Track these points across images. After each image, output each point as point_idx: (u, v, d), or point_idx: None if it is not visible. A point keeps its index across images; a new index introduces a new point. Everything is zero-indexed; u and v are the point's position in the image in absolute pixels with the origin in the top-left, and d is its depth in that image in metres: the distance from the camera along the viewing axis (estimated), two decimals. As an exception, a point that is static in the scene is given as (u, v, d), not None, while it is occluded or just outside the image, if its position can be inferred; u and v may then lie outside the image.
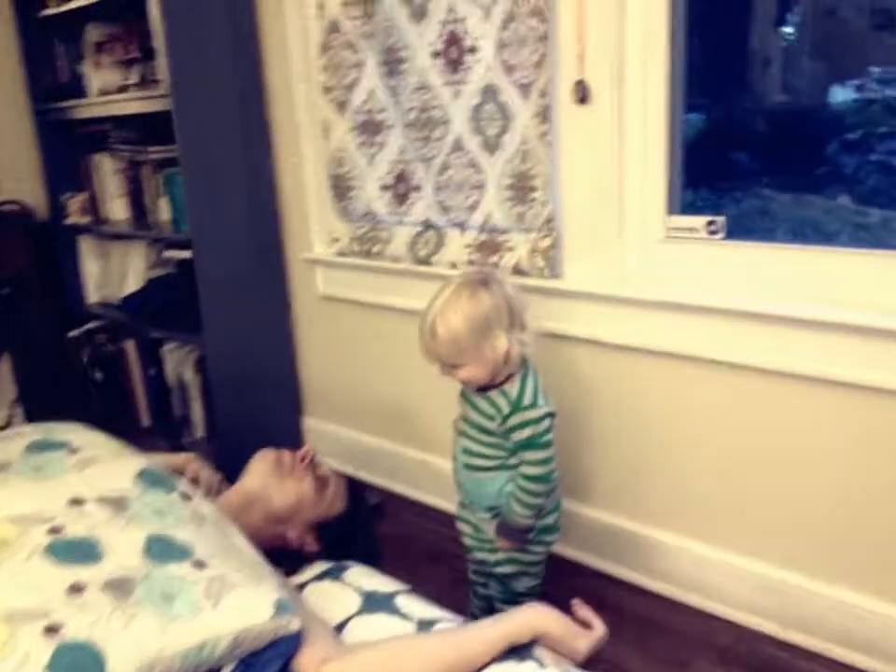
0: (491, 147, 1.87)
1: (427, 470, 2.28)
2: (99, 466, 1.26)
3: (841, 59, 1.73)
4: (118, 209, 2.72)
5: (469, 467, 1.57)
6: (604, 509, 1.91)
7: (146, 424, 2.75)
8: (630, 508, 1.86)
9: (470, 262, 1.95)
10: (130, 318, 2.64)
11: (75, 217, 2.73)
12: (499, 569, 1.59)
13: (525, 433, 1.48)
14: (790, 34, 1.82)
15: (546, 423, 1.49)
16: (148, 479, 1.26)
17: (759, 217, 1.77)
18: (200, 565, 1.10)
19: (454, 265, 2.00)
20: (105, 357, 2.79)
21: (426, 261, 2.06)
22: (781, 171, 1.78)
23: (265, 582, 1.13)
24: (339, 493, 1.54)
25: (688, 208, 1.74)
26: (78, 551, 1.07)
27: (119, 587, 1.02)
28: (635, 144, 1.69)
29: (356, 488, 1.64)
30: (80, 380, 2.88)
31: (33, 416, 2.89)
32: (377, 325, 2.30)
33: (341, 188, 2.24)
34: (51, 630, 0.95)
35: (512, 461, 1.51)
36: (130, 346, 2.70)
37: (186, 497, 1.26)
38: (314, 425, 2.62)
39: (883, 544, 1.50)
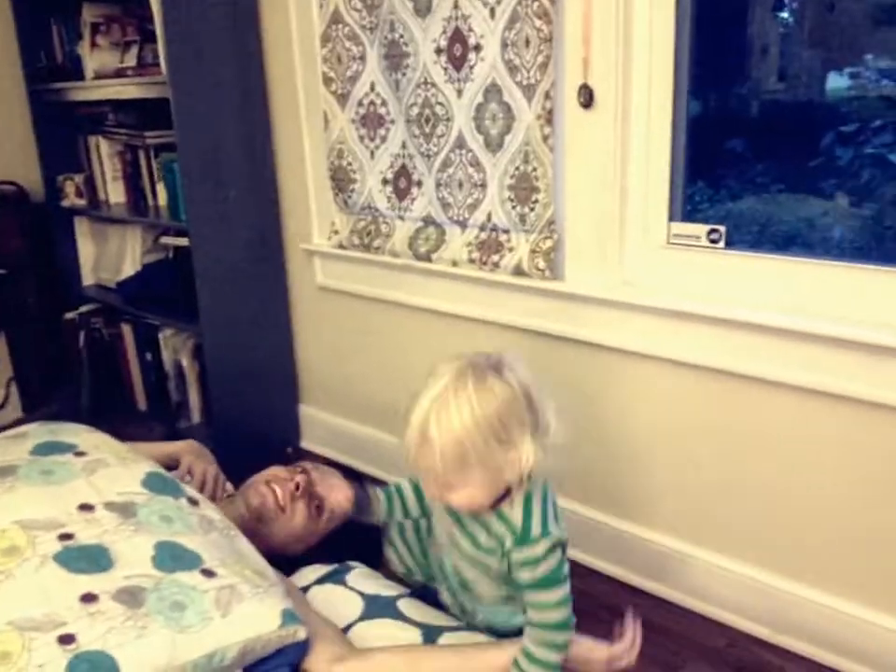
0: (493, 146, 1.85)
1: (423, 463, 2.29)
2: (106, 470, 1.27)
3: (839, 48, 1.71)
4: (114, 192, 2.70)
5: (468, 592, 1.31)
6: (601, 509, 1.93)
7: (142, 408, 2.75)
8: (628, 509, 1.88)
9: (471, 261, 1.95)
10: (126, 303, 2.63)
11: (70, 199, 2.71)
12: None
13: (538, 572, 1.15)
14: (786, 19, 1.79)
15: (559, 554, 1.17)
16: (155, 483, 1.28)
17: (754, 212, 1.76)
18: (209, 574, 1.12)
19: (454, 263, 2.00)
20: (101, 341, 2.79)
21: (426, 258, 2.06)
22: (776, 161, 1.76)
23: (272, 592, 1.15)
24: (338, 511, 1.43)
25: (689, 210, 1.74)
26: (89, 558, 1.08)
27: (131, 596, 1.04)
28: (638, 149, 1.68)
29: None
30: (76, 362, 2.88)
31: (27, 397, 2.89)
32: (375, 318, 2.30)
33: (341, 180, 2.22)
34: (66, 640, 0.97)
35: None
36: (126, 330, 2.69)
37: (193, 503, 1.27)
38: (310, 413, 2.63)
39: (877, 555, 1.53)
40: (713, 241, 1.68)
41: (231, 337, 2.41)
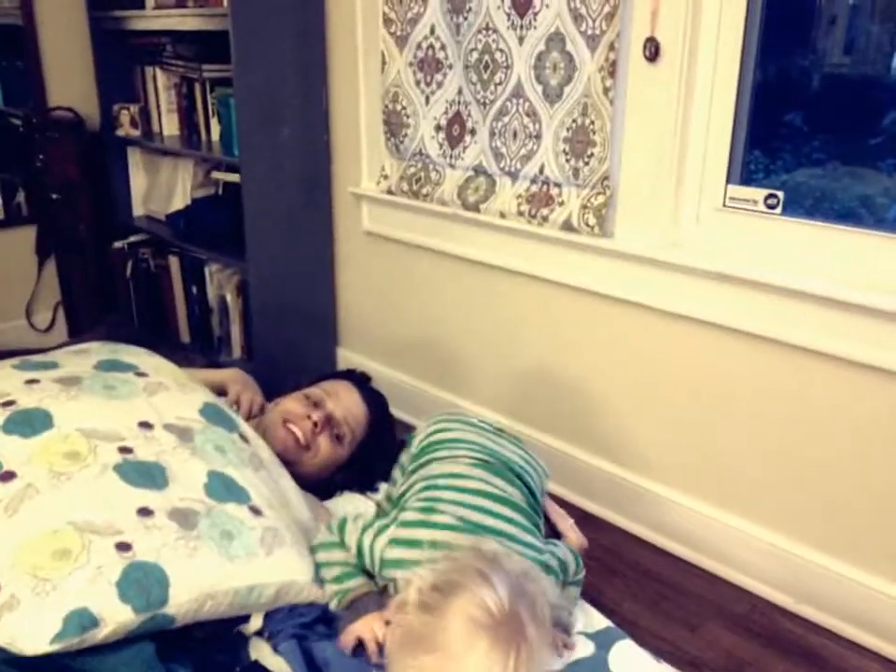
0: (552, 96, 1.83)
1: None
2: (166, 394, 1.30)
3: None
4: (168, 124, 2.71)
5: None
6: (632, 469, 1.94)
7: (184, 340, 2.80)
8: (661, 471, 1.89)
9: (520, 214, 1.94)
10: (174, 235, 2.67)
11: (125, 128, 2.73)
12: None
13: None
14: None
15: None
16: (212, 414, 1.30)
17: (810, 185, 1.72)
18: (256, 511, 1.15)
19: (502, 214, 1.98)
20: (148, 272, 2.83)
21: (474, 208, 2.05)
22: (835, 136, 1.71)
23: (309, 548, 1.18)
24: (357, 433, 1.55)
25: (744, 177, 1.70)
26: (147, 474, 1.11)
27: (184, 518, 1.07)
28: (701, 108, 1.65)
29: (379, 414, 1.65)
30: (122, 291, 2.94)
31: (74, 322, 2.96)
32: (418, 266, 2.31)
33: (394, 124, 2.21)
34: (123, 547, 1.00)
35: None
36: (173, 263, 2.73)
37: (244, 440, 1.29)
38: (348, 356, 2.65)
39: (905, 533, 1.52)
40: (770, 206, 1.64)
41: (276, 276, 2.44)
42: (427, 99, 2.11)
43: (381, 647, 1.05)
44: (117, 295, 2.96)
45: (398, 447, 1.50)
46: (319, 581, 1.16)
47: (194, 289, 2.68)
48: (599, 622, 1.23)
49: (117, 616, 0.95)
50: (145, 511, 1.05)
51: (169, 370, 1.41)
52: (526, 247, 1.97)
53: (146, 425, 1.20)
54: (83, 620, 0.93)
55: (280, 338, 2.49)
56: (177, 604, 1.00)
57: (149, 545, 1.02)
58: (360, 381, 1.69)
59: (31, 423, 1.14)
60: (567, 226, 1.85)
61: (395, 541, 1.13)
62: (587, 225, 1.81)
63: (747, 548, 1.74)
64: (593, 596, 1.32)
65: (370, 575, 1.16)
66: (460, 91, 2.03)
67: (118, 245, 2.88)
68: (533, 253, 1.96)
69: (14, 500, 1.03)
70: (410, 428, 2.42)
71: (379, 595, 1.14)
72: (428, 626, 0.91)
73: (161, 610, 0.98)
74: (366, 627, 1.08)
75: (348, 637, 1.09)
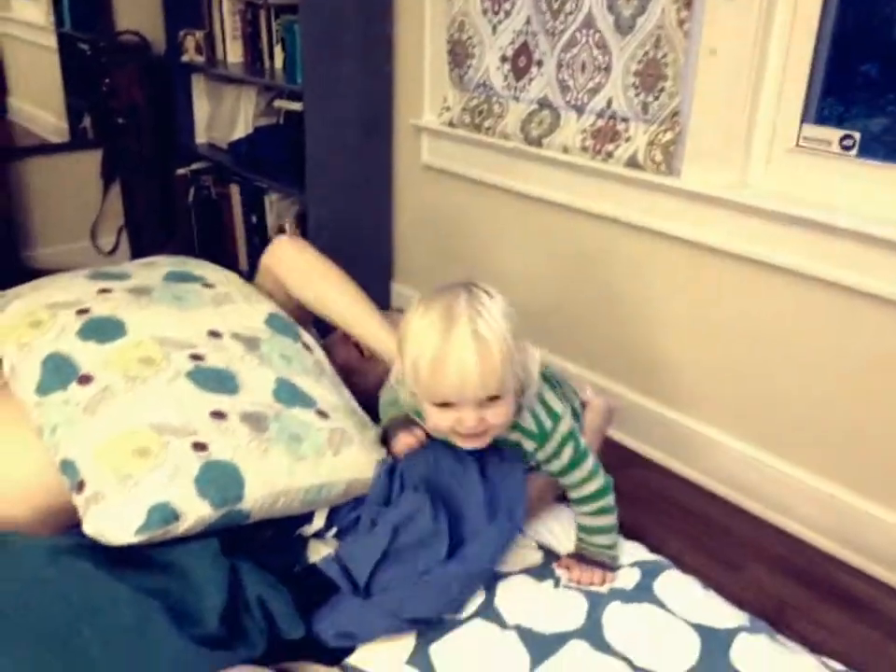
0: (623, 28, 1.78)
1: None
2: (233, 305, 1.33)
3: None
4: (233, 51, 2.71)
5: None
6: (682, 410, 1.93)
7: (243, 268, 2.85)
8: (713, 413, 1.88)
9: (583, 149, 1.91)
10: (236, 163, 2.69)
11: (190, 54, 2.74)
12: None
13: (564, 458, 1.16)
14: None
15: (573, 426, 1.18)
16: (277, 324, 1.34)
17: (884, 133, 1.66)
18: (322, 415, 1.19)
19: (565, 149, 1.96)
20: (209, 199, 2.87)
21: (537, 142, 2.02)
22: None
23: (373, 444, 1.21)
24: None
25: (820, 119, 1.65)
26: (218, 380, 1.15)
27: (256, 420, 1.11)
28: (779, 43, 1.59)
29: None
30: (183, 218, 2.99)
31: (136, 246, 3.03)
32: (477, 202, 2.29)
33: (459, 54, 2.18)
34: (199, 447, 1.05)
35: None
36: (234, 191, 2.76)
37: (308, 348, 1.33)
38: (402, 292, 2.67)
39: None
40: (845, 148, 1.59)
41: (334, 207, 2.45)
42: (494, 28, 2.07)
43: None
44: (178, 221, 3.01)
45: None
46: None
47: (254, 218, 2.71)
48: (645, 555, 1.25)
49: (197, 511, 1.00)
50: (218, 415, 1.09)
51: (234, 281, 1.44)
52: (589, 184, 1.94)
53: (215, 334, 1.23)
54: (165, 513, 0.98)
55: (336, 269, 2.51)
56: (252, 500, 1.04)
57: (224, 445, 1.06)
58: None
59: (105, 330, 1.19)
60: (632, 162, 1.82)
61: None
62: (653, 162, 1.78)
63: (795, 493, 1.74)
64: (638, 534, 1.34)
65: None
66: (528, 21, 1.99)
67: (180, 171, 2.91)
68: (595, 190, 1.93)
69: (92, 402, 1.08)
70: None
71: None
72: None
73: (238, 506, 1.03)
74: (409, 432, 1.20)
75: (398, 444, 1.20)
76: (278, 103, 2.59)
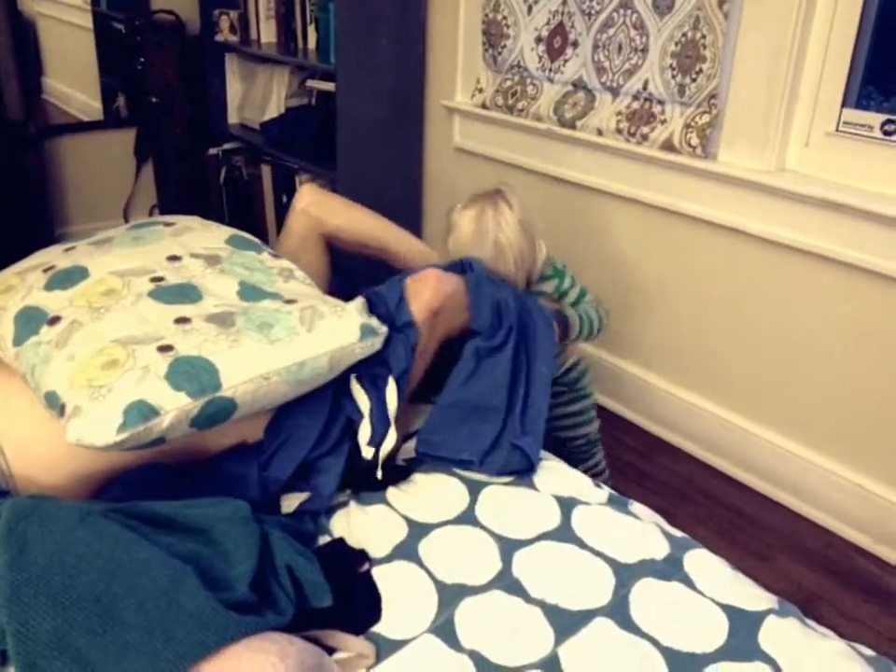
0: (662, 8, 1.75)
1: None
2: (192, 233, 1.38)
3: None
4: (266, 31, 2.71)
5: None
6: (714, 400, 1.92)
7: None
8: (744, 403, 1.86)
9: (618, 131, 1.89)
10: (267, 143, 2.70)
11: (224, 34, 2.75)
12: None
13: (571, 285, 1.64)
14: None
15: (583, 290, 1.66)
16: (239, 242, 1.37)
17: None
18: (290, 302, 1.20)
19: (599, 132, 1.94)
20: (240, 179, 2.88)
21: (570, 124, 2.00)
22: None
23: (349, 311, 1.21)
24: None
25: (862, 104, 1.61)
26: (181, 293, 1.18)
27: (222, 319, 1.13)
28: (822, 24, 1.56)
29: None
30: (215, 198, 3.00)
31: (168, 226, 3.05)
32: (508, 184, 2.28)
33: (493, 34, 2.16)
34: (165, 349, 1.07)
35: None
36: (265, 171, 2.77)
37: (275, 256, 1.34)
38: (431, 273, 2.67)
39: None
40: (887, 133, 1.56)
41: (365, 187, 2.45)
42: (530, 8, 2.05)
43: None
44: (210, 201, 3.03)
45: None
46: (369, 332, 1.19)
47: (284, 198, 2.72)
48: (676, 532, 1.24)
49: (174, 402, 1.01)
50: (182, 320, 1.11)
51: (198, 219, 1.46)
52: (622, 167, 1.92)
53: (174, 258, 1.26)
54: (142, 410, 0.99)
55: (366, 251, 2.51)
56: (231, 387, 1.05)
57: (190, 343, 1.07)
58: None
59: (69, 278, 1.22)
60: (668, 145, 1.79)
61: None
62: (689, 145, 1.75)
63: (827, 485, 1.71)
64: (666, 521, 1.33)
65: None
66: (565, 1, 1.97)
67: (212, 151, 2.93)
68: (630, 173, 1.91)
69: (62, 337, 1.10)
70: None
71: None
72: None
73: (218, 394, 1.04)
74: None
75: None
76: (310, 83, 2.60)
